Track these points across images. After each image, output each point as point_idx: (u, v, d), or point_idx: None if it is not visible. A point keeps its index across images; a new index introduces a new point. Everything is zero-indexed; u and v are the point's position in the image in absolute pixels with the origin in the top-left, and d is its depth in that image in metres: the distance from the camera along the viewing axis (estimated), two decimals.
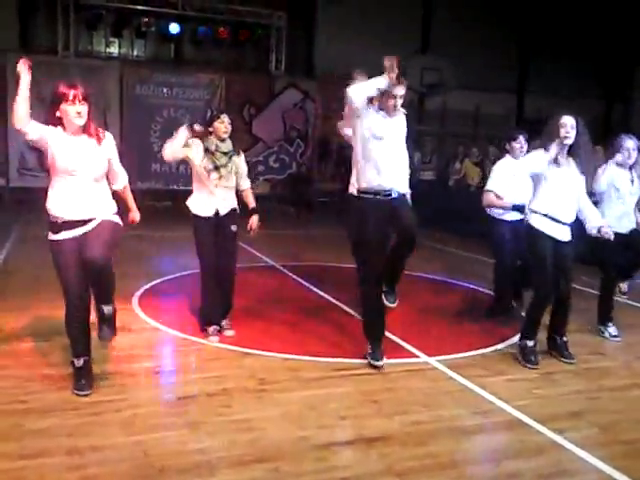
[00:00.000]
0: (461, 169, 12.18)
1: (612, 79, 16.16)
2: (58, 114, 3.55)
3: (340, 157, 15.08)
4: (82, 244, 3.59)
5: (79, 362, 3.77)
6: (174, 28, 13.32)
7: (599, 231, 4.62)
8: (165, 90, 13.62)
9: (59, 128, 3.57)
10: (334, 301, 6.11)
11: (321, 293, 6.39)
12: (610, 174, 5.25)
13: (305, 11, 14.78)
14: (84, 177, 3.59)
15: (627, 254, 5.31)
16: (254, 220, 4.94)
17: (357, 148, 4.30)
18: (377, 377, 4.23)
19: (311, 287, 6.63)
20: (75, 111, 3.50)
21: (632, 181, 5.30)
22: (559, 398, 4.03)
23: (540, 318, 4.68)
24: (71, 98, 3.48)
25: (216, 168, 4.70)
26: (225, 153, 4.73)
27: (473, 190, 11.47)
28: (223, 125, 4.70)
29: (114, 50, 13.87)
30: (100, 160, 3.66)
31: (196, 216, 4.80)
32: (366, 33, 14.65)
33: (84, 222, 3.62)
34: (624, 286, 6.01)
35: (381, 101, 4.21)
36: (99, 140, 3.65)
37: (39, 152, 11.69)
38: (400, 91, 4.20)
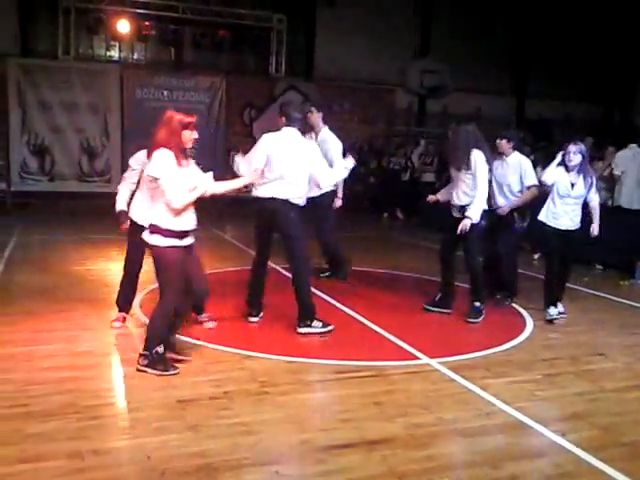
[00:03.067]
0: None
1: (613, 83, 16.16)
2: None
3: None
4: (186, 259, 4.10)
5: (162, 349, 4.18)
6: None
7: None
8: (166, 93, 13.63)
9: (169, 151, 3.95)
10: (335, 303, 6.11)
11: (322, 295, 6.38)
12: (553, 173, 5.64)
13: (305, 14, 14.80)
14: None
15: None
16: None
17: None
18: (378, 379, 4.23)
19: (312, 289, 6.62)
20: (194, 138, 4.01)
21: (573, 185, 5.58)
22: (560, 400, 4.03)
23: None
24: (194, 125, 4.00)
25: None
26: None
27: None
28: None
29: (114, 54, 13.89)
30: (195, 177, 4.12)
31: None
32: (366, 36, 14.69)
33: (190, 232, 4.13)
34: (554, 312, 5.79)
35: None
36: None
37: (40, 157, 11.51)
38: None
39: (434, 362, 4.57)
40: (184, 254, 4.08)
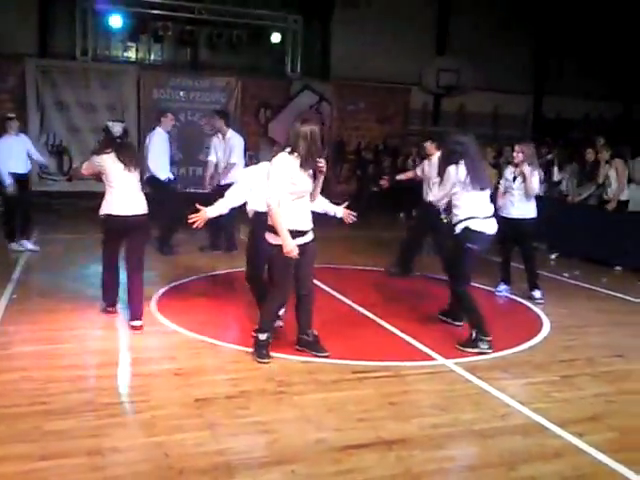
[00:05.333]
0: None
1: (634, 81, 15.96)
2: None
3: (357, 159, 15.08)
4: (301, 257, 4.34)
5: (263, 336, 4.45)
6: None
7: None
8: (182, 94, 13.67)
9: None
10: (350, 303, 6.12)
11: (338, 295, 6.40)
12: (505, 171, 6.75)
13: (320, 14, 14.79)
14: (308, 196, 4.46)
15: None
16: None
17: None
18: (395, 380, 4.23)
19: (328, 289, 6.64)
20: None
21: (515, 178, 6.50)
22: (578, 401, 4.01)
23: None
24: None
25: None
26: None
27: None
28: None
29: (132, 55, 13.98)
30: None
31: None
32: (382, 35, 14.66)
33: (304, 233, 4.42)
34: (537, 293, 6.56)
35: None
36: None
37: (59, 157, 11.76)
38: None
39: (450, 363, 4.56)
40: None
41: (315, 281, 6.97)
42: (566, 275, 7.80)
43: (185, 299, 6.10)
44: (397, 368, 4.42)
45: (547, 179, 10.23)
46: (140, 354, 4.65)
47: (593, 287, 7.25)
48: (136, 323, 5.08)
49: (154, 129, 8.58)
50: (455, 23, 15.45)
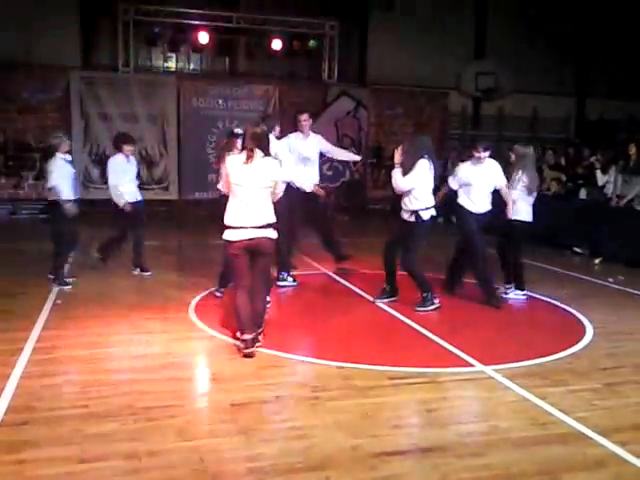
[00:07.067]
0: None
1: None
2: None
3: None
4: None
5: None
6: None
7: None
8: (220, 102, 13.87)
9: None
10: (388, 309, 6.07)
11: (375, 301, 6.35)
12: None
13: (357, 19, 14.80)
14: None
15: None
16: None
17: None
18: (431, 386, 4.18)
19: (364, 295, 6.61)
20: None
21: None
22: (622, 410, 3.89)
23: None
24: None
25: None
26: None
27: None
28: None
29: (172, 65, 14.24)
30: None
31: None
32: (419, 39, 14.59)
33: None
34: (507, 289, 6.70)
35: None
36: None
37: (101, 166, 11.87)
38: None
39: (488, 369, 4.48)
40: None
41: (351, 287, 7.03)
42: (610, 280, 7.60)
43: (223, 305, 6.15)
44: (434, 374, 4.36)
45: (583, 183, 10.08)
46: (178, 359, 4.70)
47: (639, 293, 7.03)
48: (216, 293, 6.07)
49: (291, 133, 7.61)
50: (493, 26, 15.25)
